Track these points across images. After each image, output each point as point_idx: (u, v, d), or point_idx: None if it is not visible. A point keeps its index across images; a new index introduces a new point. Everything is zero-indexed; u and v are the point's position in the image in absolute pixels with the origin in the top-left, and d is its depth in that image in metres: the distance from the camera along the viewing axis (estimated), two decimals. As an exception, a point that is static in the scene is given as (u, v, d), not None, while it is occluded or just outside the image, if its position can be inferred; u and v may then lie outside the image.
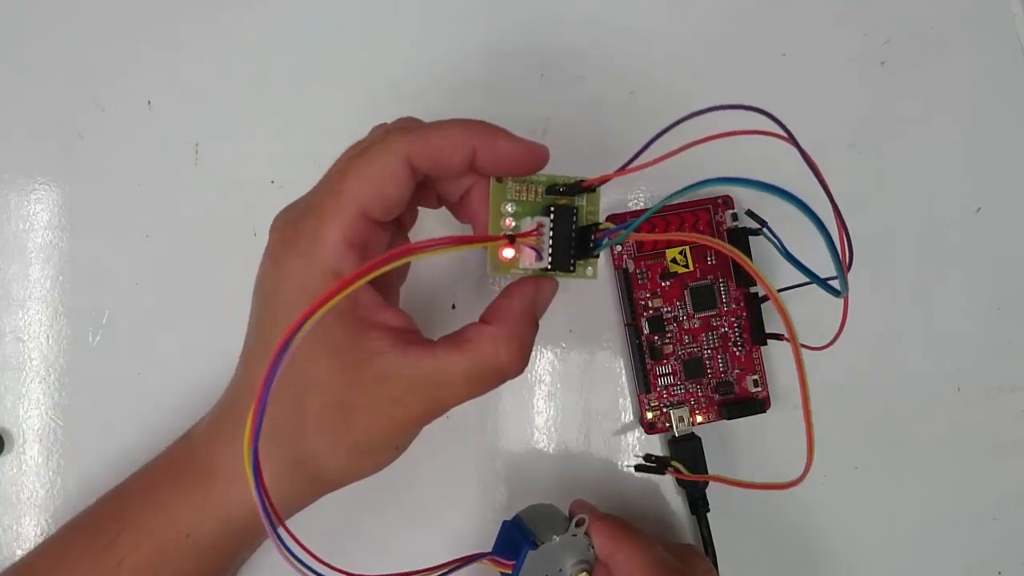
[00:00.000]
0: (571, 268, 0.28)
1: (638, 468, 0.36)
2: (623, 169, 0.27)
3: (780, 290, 0.37)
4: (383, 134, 0.26)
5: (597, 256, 0.29)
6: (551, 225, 0.27)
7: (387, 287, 0.31)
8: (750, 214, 0.36)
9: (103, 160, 0.38)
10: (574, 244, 0.28)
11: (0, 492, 0.36)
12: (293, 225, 0.27)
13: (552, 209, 0.27)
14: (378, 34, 0.39)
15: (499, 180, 0.28)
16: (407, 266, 0.31)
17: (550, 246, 0.27)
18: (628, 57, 0.40)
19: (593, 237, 0.28)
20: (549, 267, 0.28)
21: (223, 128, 0.38)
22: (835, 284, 0.24)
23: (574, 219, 0.28)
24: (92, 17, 0.38)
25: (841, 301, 0.26)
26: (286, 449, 0.27)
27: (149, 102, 0.38)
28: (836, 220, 0.26)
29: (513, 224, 0.28)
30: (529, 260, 0.28)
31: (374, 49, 0.39)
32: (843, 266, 0.23)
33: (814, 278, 0.25)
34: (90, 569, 0.29)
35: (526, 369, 0.38)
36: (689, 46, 0.40)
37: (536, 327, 0.29)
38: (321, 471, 0.28)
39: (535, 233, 0.27)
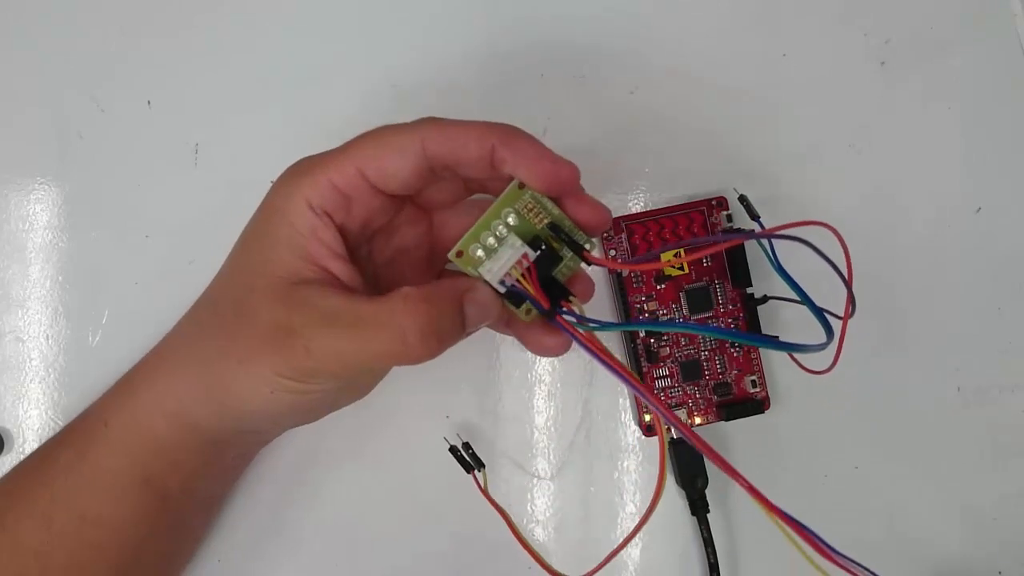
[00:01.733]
0: (517, 304, 0.27)
1: (452, 450, 0.35)
2: (635, 263, 0.27)
3: (772, 298, 0.37)
4: (411, 122, 0.27)
5: (551, 314, 0.27)
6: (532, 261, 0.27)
7: (358, 245, 0.30)
8: (742, 199, 0.36)
9: (103, 160, 0.38)
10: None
11: (0, 492, 0.36)
12: (306, 162, 0.28)
13: (543, 247, 0.27)
14: (378, 34, 0.39)
15: (521, 187, 0.27)
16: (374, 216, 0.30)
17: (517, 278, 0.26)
18: (628, 57, 0.40)
19: (560, 303, 0.27)
20: (501, 291, 0.27)
21: (223, 128, 0.38)
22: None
23: (553, 268, 0.27)
24: (92, 17, 0.38)
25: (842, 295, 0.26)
26: (198, 361, 0.28)
27: (149, 102, 0.38)
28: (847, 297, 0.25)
29: (491, 241, 0.27)
30: (490, 272, 0.26)
31: (374, 49, 0.39)
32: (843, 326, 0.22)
33: (808, 303, 0.25)
34: (35, 471, 0.30)
35: (524, 370, 0.39)
36: (689, 46, 0.40)
37: (459, 324, 0.26)
38: (227, 394, 0.27)
39: (529, 280, 0.26)
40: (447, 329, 0.26)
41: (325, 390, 0.28)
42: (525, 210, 0.27)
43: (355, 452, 0.37)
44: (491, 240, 0.27)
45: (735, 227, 0.37)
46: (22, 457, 0.36)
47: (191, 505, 0.33)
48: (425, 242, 0.31)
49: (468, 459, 0.35)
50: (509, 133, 0.26)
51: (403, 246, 0.31)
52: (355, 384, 0.31)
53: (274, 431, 0.33)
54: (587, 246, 0.28)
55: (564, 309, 0.27)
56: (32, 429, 0.37)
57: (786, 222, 0.37)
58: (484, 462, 0.35)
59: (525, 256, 0.26)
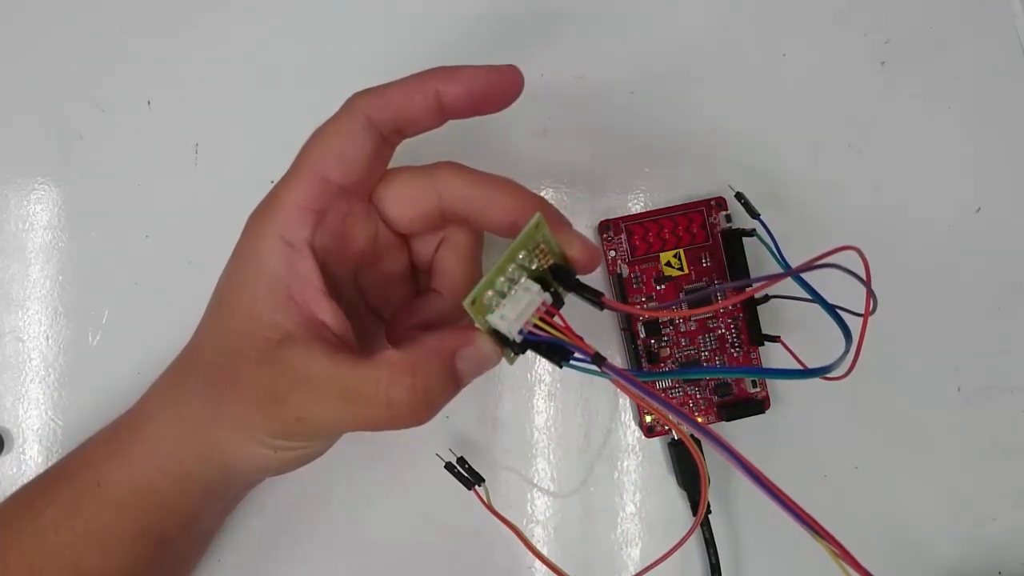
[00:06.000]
0: (513, 351, 0.25)
1: (448, 467, 0.34)
2: (654, 310, 0.26)
3: (776, 297, 0.37)
4: (343, 106, 0.26)
5: (561, 364, 0.25)
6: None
7: (339, 279, 0.29)
8: (739, 196, 0.36)
9: (103, 160, 0.38)
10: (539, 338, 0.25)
11: (0, 492, 0.36)
12: (268, 196, 0.27)
13: (552, 292, 0.25)
14: (378, 34, 0.39)
15: (536, 227, 0.24)
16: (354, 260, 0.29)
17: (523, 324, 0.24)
18: (628, 57, 0.40)
19: (574, 352, 0.25)
20: (510, 337, 0.25)
21: (223, 128, 0.38)
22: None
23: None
24: (91, 17, 0.38)
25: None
26: (192, 427, 0.27)
27: (149, 102, 0.38)
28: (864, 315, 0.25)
29: (503, 285, 0.25)
30: (505, 319, 0.24)
31: (374, 49, 0.39)
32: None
33: (821, 302, 0.24)
34: (17, 519, 0.29)
35: (524, 370, 0.39)
36: (689, 46, 0.40)
37: (451, 384, 0.25)
38: (229, 456, 0.27)
39: (559, 327, 0.24)
40: (437, 394, 0.25)
41: (327, 443, 0.28)
42: (538, 251, 0.25)
43: (354, 452, 0.37)
44: (503, 284, 0.24)
45: (734, 227, 0.37)
46: (22, 457, 0.37)
47: (188, 544, 0.33)
48: (408, 265, 0.30)
49: (466, 474, 0.34)
50: (445, 70, 0.25)
51: (387, 272, 0.30)
52: None
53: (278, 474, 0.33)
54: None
55: (579, 356, 0.25)
56: (32, 429, 0.37)
57: (785, 222, 0.37)
58: (483, 476, 0.34)
59: (543, 302, 0.24)
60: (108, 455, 0.29)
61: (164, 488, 0.28)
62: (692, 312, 0.32)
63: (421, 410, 0.25)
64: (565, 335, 0.24)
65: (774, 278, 0.24)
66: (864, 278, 0.24)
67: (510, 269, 0.25)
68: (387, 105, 0.26)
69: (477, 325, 0.25)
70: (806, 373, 0.23)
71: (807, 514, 0.22)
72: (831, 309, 0.24)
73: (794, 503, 0.22)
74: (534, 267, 0.25)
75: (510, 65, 0.26)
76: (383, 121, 0.26)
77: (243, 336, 0.25)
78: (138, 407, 0.30)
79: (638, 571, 0.32)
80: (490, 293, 0.24)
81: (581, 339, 0.24)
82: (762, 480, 0.22)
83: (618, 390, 0.37)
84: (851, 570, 0.22)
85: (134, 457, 0.28)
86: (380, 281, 0.30)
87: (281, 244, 0.25)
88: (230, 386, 0.26)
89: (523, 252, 0.25)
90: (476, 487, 0.34)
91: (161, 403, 0.29)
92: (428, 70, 0.26)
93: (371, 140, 0.26)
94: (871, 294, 0.24)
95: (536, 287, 0.25)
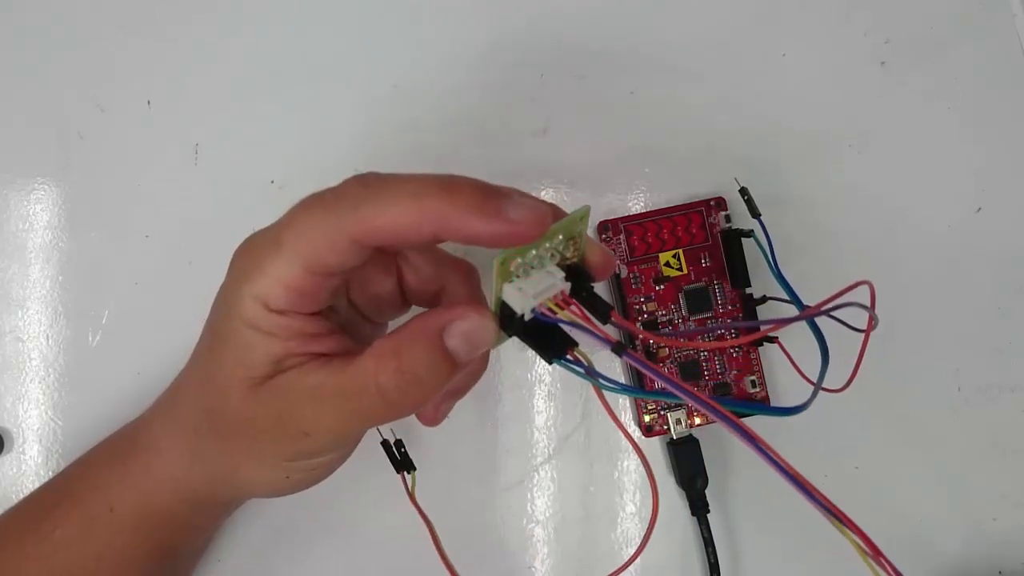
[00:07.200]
0: (507, 332, 0.25)
1: (383, 444, 0.33)
2: (663, 336, 0.25)
3: (772, 299, 0.37)
4: (334, 199, 0.24)
5: (551, 359, 0.24)
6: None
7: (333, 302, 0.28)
8: (743, 191, 0.36)
9: (103, 160, 0.38)
10: (538, 328, 0.24)
11: (0, 492, 0.36)
12: (253, 256, 0.25)
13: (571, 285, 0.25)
14: (378, 34, 0.39)
15: (581, 218, 0.24)
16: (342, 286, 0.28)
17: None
18: (628, 57, 0.40)
19: (566, 351, 0.24)
20: (518, 313, 0.24)
21: (223, 128, 0.38)
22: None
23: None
24: (91, 17, 0.38)
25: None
26: (201, 461, 0.27)
27: (149, 102, 0.38)
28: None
29: (534, 255, 0.24)
30: (522, 292, 0.23)
31: (374, 49, 0.39)
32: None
33: (808, 320, 0.24)
34: (21, 540, 0.29)
35: (524, 370, 0.39)
36: (689, 46, 0.40)
37: (444, 363, 0.24)
38: (246, 483, 0.28)
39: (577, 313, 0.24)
40: (428, 374, 0.24)
41: (339, 455, 0.28)
42: (570, 243, 0.25)
43: (354, 452, 0.37)
44: (533, 258, 0.24)
45: (734, 228, 0.37)
46: (22, 457, 0.37)
47: (192, 551, 0.34)
48: (397, 282, 0.30)
49: (398, 456, 0.33)
50: (449, 216, 0.22)
51: (377, 292, 0.29)
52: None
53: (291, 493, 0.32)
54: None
55: (569, 358, 0.24)
56: (32, 429, 0.37)
57: (785, 222, 0.37)
58: (415, 465, 0.33)
59: (562, 291, 0.24)
60: (117, 481, 0.29)
61: (179, 512, 0.29)
62: (694, 345, 0.32)
63: (414, 392, 0.24)
64: (583, 322, 0.24)
65: (784, 322, 0.24)
66: (870, 307, 0.24)
67: (547, 245, 0.24)
68: (374, 235, 0.23)
69: (493, 289, 0.24)
70: (787, 411, 0.23)
71: (832, 503, 0.22)
72: (817, 330, 0.24)
73: (823, 495, 0.22)
74: (568, 254, 0.25)
75: (537, 209, 0.23)
76: (369, 245, 0.24)
77: (238, 380, 0.25)
78: (143, 434, 0.29)
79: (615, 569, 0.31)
80: (519, 260, 0.24)
81: (601, 328, 0.24)
82: (788, 470, 0.22)
83: (618, 391, 0.37)
84: (878, 568, 0.22)
85: (147, 487, 0.28)
86: (370, 300, 0.30)
87: (267, 310, 0.24)
88: (234, 418, 0.26)
89: (561, 235, 0.24)
90: (405, 473, 0.33)
91: (166, 433, 0.29)
92: (429, 205, 0.22)
93: (358, 253, 0.24)
94: (873, 318, 0.24)
95: (561, 274, 0.24)
